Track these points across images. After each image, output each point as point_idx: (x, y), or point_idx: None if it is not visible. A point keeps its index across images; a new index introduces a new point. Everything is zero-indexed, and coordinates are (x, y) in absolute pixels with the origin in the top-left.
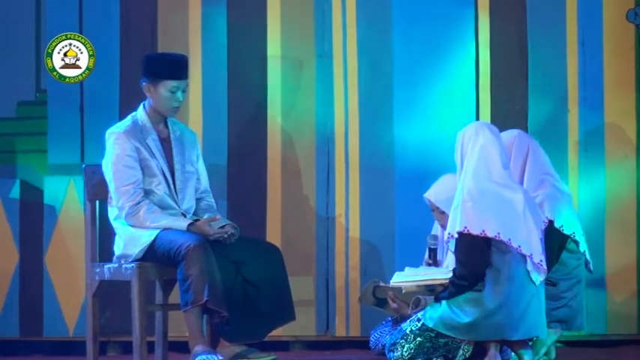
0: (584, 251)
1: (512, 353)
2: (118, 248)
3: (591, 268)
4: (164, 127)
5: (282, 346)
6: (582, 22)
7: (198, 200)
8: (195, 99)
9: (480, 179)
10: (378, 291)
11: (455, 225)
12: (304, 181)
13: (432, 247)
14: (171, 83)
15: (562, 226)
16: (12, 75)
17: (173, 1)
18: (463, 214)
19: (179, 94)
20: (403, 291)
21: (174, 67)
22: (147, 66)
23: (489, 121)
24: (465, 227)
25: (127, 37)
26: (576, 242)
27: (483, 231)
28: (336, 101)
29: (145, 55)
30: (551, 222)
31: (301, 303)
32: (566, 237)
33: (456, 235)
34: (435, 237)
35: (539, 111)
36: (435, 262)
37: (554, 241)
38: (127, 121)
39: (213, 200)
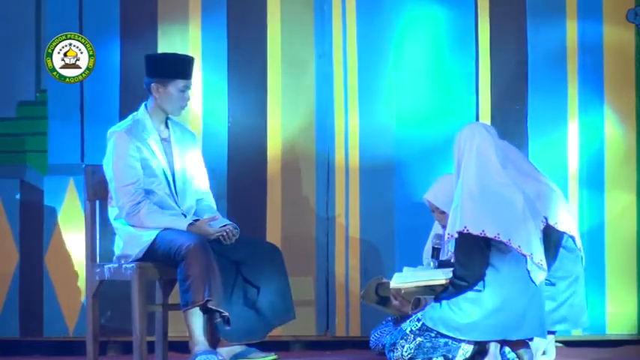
0: (580, 248)
1: (513, 353)
2: (118, 248)
3: (584, 265)
4: (165, 127)
5: (282, 346)
6: (582, 22)
7: (198, 201)
8: (196, 99)
9: (481, 179)
10: (381, 289)
11: (455, 225)
12: (304, 181)
13: (435, 246)
14: (182, 82)
15: (556, 223)
16: (12, 75)
17: (173, 1)
18: (463, 214)
19: (187, 94)
20: (402, 292)
21: (184, 67)
22: (155, 66)
23: (489, 121)
24: (465, 227)
25: (127, 37)
26: (572, 238)
27: (483, 231)
28: (336, 101)
29: (149, 55)
30: (546, 219)
31: (301, 303)
32: (562, 235)
33: (456, 235)
34: (440, 236)
35: (539, 111)
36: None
37: (552, 239)
38: (129, 120)
39: (213, 201)
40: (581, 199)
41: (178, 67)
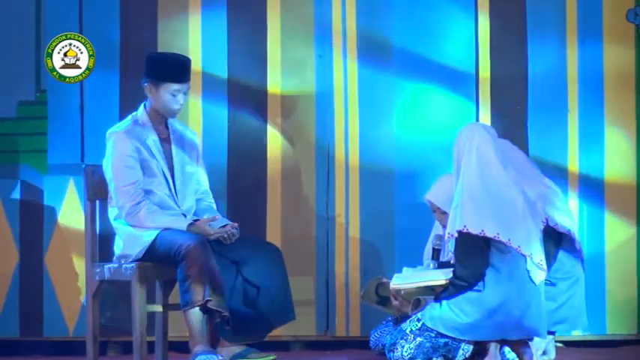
0: (580, 249)
1: (513, 353)
2: (118, 248)
3: (584, 266)
4: (164, 127)
5: (282, 346)
6: (582, 22)
7: (198, 201)
8: (195, 99)
9: (481, 179)
10: (381, 289)
11: (454, 224)
12: (304, 181)
13: (435, 247)
14: (174, 86)
15: (556, 224)
16: (12, 75)
17: (173, 1)
18: (463, 214)
19: (180, 97)
20: (402, 292)
21: (177, 70)
22: (149, 67)
23: (489, 122)
24: (465, 226)
25: (127, 37)
26: (572, 239)
27: (483, 231)
28: (336, 101)
29: (147, 54)
30: (547, 220)
31: (301, 303)
32: (562, 235)
33: (456, 234)
34: (440, 237)
35: (540, 111)
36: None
37: (551, 240)
38: (128, 121)
39: (213, 201)
40: (581, 200)
41: (170, 71)
